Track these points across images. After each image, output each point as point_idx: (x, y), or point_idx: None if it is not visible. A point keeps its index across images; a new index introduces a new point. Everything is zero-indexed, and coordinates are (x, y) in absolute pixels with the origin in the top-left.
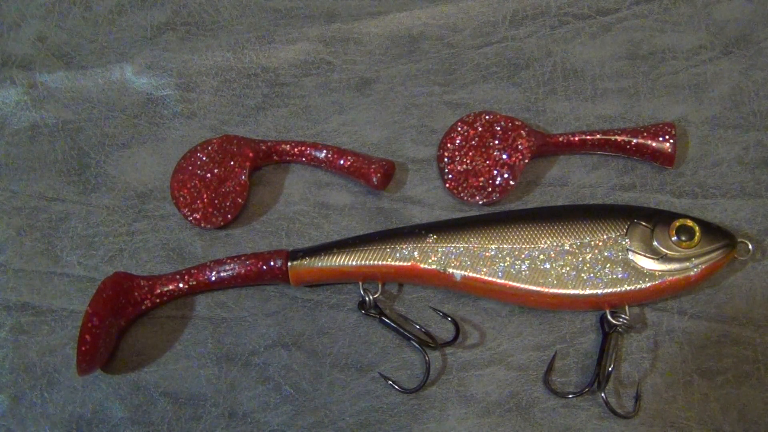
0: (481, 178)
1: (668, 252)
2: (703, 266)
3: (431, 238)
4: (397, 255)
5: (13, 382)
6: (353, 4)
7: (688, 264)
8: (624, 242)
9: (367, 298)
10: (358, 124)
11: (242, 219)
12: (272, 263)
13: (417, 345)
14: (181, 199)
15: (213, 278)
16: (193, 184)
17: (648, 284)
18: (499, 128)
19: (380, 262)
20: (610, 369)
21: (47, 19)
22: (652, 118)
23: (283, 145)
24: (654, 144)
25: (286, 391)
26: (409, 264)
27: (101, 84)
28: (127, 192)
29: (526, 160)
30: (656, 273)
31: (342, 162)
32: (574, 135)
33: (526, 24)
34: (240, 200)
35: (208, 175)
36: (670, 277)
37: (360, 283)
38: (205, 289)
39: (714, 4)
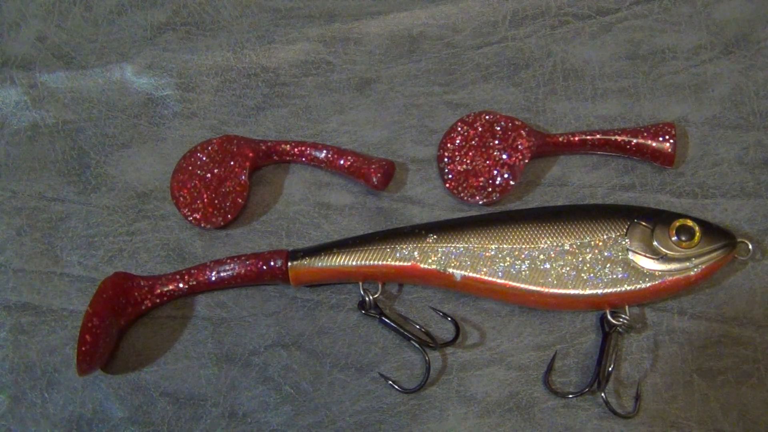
0: (481, 178)
1: (668, 252)
2: (703, 266)
3: (431, 238)
4: (397, 255)
5: (13, 382)
6: (353, 4)
7: (688, 264)
8: (624, 242)
9: (367, 298)
10: (358, 124)
11: (242, 219)
12: (272, 263)
13: (417, 345)
14: (181, 199)
15: (213, 278)
16: (193, 184)
17: (648, 284)
18: (499, 128)
19: (380, 262)
20: (610, 369)
21: (47, 19)
22: (652, 118)
23: (283, 145)
24: (654, 144)
25: (286, 391)
26: (409, 264)
27: (101, 84)
28: (127, 192)
29: (526, 160)
30: (656, 273)
31: (342, 162)
32: (574, 135)
33: (526, 24)
34: (240, 200)
35: (208, 175)
36: (670, 277)
37: (360, 283)
38: (205, 289)
39: (714, 4)
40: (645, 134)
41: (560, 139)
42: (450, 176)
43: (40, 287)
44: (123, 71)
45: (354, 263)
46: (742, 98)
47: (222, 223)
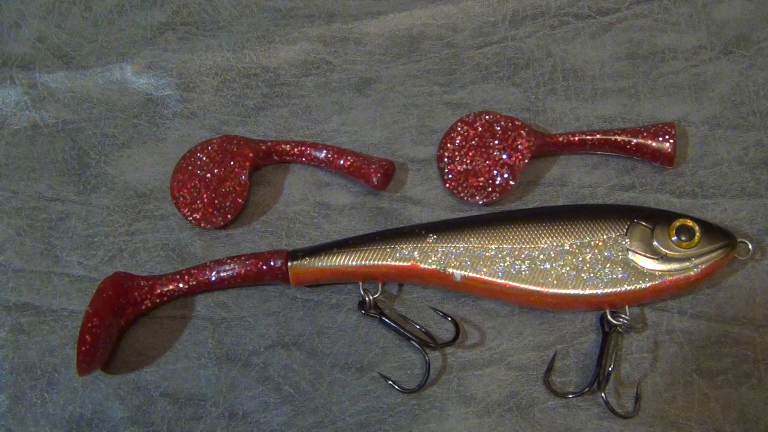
0: (481, 178)
1: (668, 252)
2: (703, 266)
3: (431, 238)
4: (397, 255)
5: (13, 382)
6: (353, 4)
7: (688, 264)
8: (624, 242)
9: (367, 298)
10: (358, 124)
11: (242, 219)
12: (272, 263)
13: (417, 345)
14: (181, 199)
15: (213, 278)
16: (193, 184)
17: (648, 284)
18: (499, 128)
19: (380, 262)
20: (610, 369)
21: (47, 19)
22: (652, 118)
23: (283, 145)
24: (654, 144)
25: (286, 391)
26: (409, 264)
27: (101, 84)
28: (127, 192)
29: (526, 160)
30: (656, 273)
31: (342, 162)
32: (574, 135)
33: (526, 24)
34: (240, 200)
35: (208, 175)
36: (670, 277)
37: (360, 283)
38: (205, 289)
39: (714, 4)
40: (645, 134)
41: (560, 139)
42: (450, 176)
43: (40, 287)
44: (123, 71)
45: (354, 263)
46: (742, 98)
47: (222, 223)
